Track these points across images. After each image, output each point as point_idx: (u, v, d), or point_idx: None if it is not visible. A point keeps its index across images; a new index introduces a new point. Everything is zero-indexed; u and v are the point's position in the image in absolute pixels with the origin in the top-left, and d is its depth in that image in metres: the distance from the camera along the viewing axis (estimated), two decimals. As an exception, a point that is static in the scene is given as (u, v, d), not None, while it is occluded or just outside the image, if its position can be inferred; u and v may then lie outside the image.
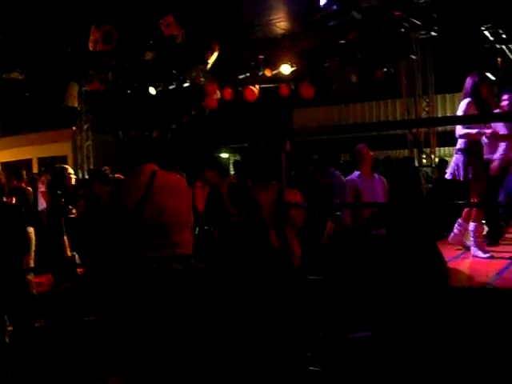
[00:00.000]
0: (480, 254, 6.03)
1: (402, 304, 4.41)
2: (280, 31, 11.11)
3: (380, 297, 4.53)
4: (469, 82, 6.15)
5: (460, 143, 6.09)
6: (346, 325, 5.44)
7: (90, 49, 9.83)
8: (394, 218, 5.66)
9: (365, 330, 5.81)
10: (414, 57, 11.16)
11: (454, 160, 6.18)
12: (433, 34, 11.10)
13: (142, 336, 4.03)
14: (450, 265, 5.66)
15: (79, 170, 15.77)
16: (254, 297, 4.96)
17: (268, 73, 12.55)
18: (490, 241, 6.87)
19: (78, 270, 7.24)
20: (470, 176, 6.03)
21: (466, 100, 6.08)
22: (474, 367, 4.32)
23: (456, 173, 6.14)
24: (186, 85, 13.45)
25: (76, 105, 14.15)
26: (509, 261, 5.82)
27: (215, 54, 11.15)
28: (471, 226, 6.16)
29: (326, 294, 5.04)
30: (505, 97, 6.77)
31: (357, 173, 6.85)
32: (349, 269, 4.89)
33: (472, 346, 4.42)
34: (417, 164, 11.07)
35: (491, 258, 5.97)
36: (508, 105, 6.54)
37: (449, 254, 6.31)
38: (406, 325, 5.01)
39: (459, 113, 6.11)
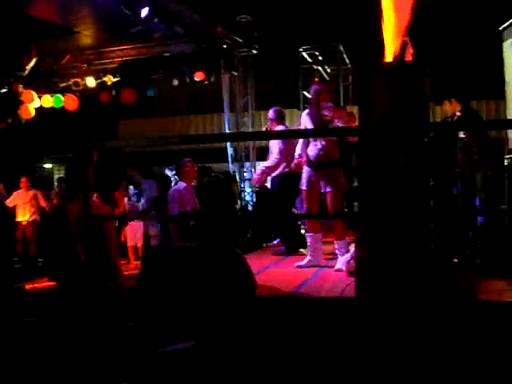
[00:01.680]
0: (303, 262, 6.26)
1: (212, 314, 4.49)
2: (103, 40, 10.94)
3: (193, 308, 4.58)
4: (312, 91, 6.37)
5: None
6: (161, 337, 5.43)
7: None
8: (207, 229, 5.77)
9: (183, 341, 5.84)
10: (235, 73, 11.46)
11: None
12: (254, 52, 11.47)
13: None
14: (263, 274, 5.86)
15: None
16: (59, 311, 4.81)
17: (91, 83, 12.29)
18: (288, 250, 7.23)
19: None
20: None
21: (306, 111, 6.33)
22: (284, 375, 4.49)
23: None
24: (3, 91, 12.73)
25: None
26: (316, 269, 6.14)
27: (33, 60, 10.74)
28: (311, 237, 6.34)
29: (141, 307, 5.01)
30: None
31: (183, 184, 6.98)
32: (163, 281, 4.88)
33: (282, 355, 4.59)
34: (238, 178, 11.38)
35: (303, 267, 6.25)
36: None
37: (262, 263, 6.55)
38: (217, 335, 5.11)
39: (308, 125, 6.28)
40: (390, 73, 3.59)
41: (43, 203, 10.95)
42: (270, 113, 7.45)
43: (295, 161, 6.63)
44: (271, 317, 4.52)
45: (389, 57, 4.16)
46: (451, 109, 6.93)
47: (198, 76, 11.53)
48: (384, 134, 3.38)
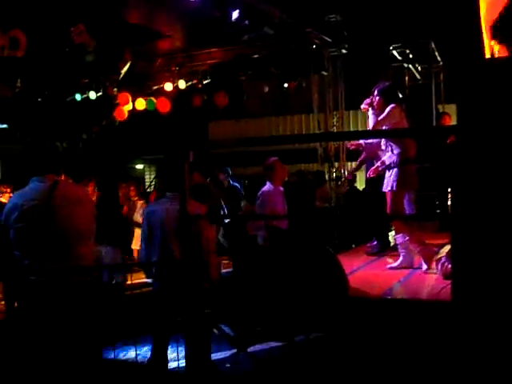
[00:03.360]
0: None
1: (304, 315, 4.48)
2: (194, 42, 11.14)
3: (283, 309, 4.59)
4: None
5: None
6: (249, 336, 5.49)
7: (-3, 54, 9.56)
8: (293, 230, 5.77)
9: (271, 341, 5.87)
10: (325, 73, 11.41)
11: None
12: (343, 51, 11.39)
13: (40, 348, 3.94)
14: (355, 275, 5.81)
15: (-15, 181, 15.17)
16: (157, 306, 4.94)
17: (182, 85, 12.54)
18: (379, 250, 7.14)
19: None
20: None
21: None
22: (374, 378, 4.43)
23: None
24: (98, 94, 13.22)
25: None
26: (410, 271, 6.03)
27: (127, 64, 11.07)
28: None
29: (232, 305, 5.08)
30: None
31: (271, 185, 6.96)
32: (255, 280, 4.92)
33: (372, 356, 4.53)
34: (327, 178, 11.33)
35: (396, 268, 6.14)
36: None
37: (353, 264, 6.49)
38: (310, 335, 5.10)
39: None
40: (491, 68, 3.46)
41: None
42: None
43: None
44: (364, 318, 4.47)
45: (487, 52, 4.01)
46: None
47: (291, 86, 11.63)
48: (484, 133, 3.26)
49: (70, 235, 4.00)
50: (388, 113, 5.98)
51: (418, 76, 13.22)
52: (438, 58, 12.65)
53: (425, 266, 5.82)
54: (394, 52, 12.36)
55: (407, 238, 6.05)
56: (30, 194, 4.07)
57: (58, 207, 3.97)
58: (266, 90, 12.43)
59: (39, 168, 4.13)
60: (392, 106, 6.01)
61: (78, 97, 13.01)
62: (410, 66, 12.90)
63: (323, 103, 11.60)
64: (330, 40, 11.03)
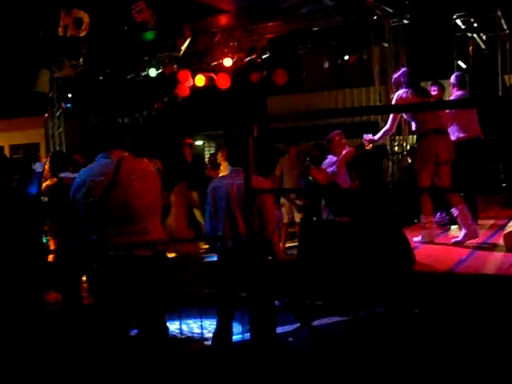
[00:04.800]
0: None
1: (369, 289, 4.46)
2: (252, 17, 11.08)
3: (347, 282, 4.57)
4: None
5: None
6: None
7: (60, 34, 9.76)
8: (359, 204, 5.72)
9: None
10: (386, 44, 11.18)
11: None
12: (405, 21, 11.13)
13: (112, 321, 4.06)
14: (418, 250, 5.73)
15: (51, 158, 15.62)
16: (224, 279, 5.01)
17: (241, 60, 12.52)
18: (446, 221, 7.06)
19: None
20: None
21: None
22: (439, 354, 4.39)
23: None
24: (159, 71, 13.34)
25: (47, 91, 14.00)
26: (476, 244, 5.91)
27: (187, 41, 11.11)
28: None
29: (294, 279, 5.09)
30: (434, 88, 7.29)
31: (333, 158, 6.93)
32: (316, 255, 4.92)
33: (438, 332, 4.49)
34: (389, 151, 11.16)
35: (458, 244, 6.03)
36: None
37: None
38: (373, 309, 5.08)
39: None
40: None
41: None
42: (452, 78, 7.44)
43: None
44: (430, 293, 4.42)
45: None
46: None
47: (350, 59, 11.45)
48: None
49: (136, 210, 4.07)
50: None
51: (483, 45, 12.81)
52: (505, 26, 12.21)
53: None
54: (458, 21, 11.99)
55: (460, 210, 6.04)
56: (97, 170, 4.15)
57: (124, 183, 4.03)
58: (326, 65, 12.25)
59: (105, 144, 4.21)
60: (396, 94, 6.23)
61: (152, 72, 13.12)
62: (475, 35, 12.51)
63: (384, 75, 11.39)
64: (391, 10, 10.77)
